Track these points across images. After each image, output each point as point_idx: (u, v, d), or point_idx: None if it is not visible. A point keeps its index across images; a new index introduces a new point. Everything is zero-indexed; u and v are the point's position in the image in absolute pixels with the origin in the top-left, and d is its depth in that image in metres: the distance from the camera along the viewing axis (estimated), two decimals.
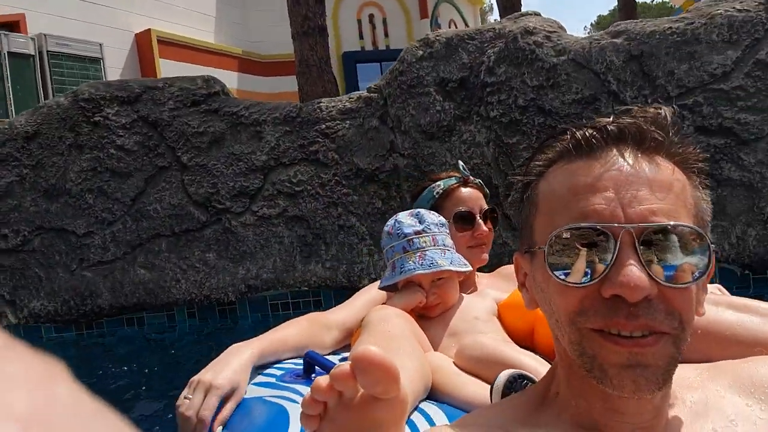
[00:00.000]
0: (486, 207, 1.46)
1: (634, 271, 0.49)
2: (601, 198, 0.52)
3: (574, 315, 0.52)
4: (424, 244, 1.22)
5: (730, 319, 0.73)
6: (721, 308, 0.75)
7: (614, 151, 0.54)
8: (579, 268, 0.52)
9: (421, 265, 1.20)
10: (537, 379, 0.87)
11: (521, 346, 1.15)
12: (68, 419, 0.16)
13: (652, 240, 0.51)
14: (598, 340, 0.51)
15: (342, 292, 3.29)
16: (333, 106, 3.26)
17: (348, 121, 3.22)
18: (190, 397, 1.04)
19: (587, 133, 0.55)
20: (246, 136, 3.33)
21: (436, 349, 1.18)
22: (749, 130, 2.47)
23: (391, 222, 1.29)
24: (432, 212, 1.31)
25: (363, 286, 3.18)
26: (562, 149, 0.57)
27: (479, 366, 1.07)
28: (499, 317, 1.28)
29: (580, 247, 0.52)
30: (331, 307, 1.39)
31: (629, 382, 0.50)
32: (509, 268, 1.52)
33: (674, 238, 0.51)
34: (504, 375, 0.91)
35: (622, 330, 0.50)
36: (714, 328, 0.71)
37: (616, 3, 8.15)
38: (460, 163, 1.55)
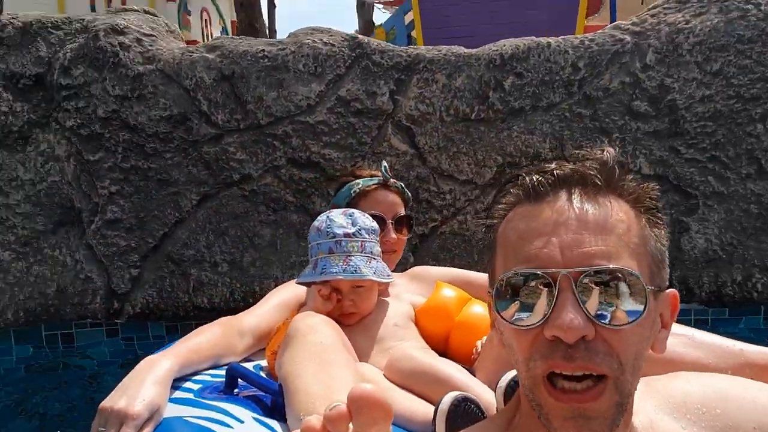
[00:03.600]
0: (402, 213, 1.45)
1: (568, 313, 0.52)
2: (541, 242, 0.55)
3: (527, 360, 0.55)
4: (351, 249, 1.20)
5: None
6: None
7: (562, 194, 0.57)
8: (535, 311, 0.54)
9: (344, 270, 1.17)
10: (477, 400, 0.96)
11: (436, 351, 1.24)
12: None
13: (592, 282, 0.53)
14: (543, 392, 0.54)
15: None
16: None
17: None
18: (103, 430, 0.91)
19: (534, 178, 0.58)
20: None
21: (360, 357, 1.15)
22: (334, 166, 2.39)
23: (323, 218, 1.24)
24: (367, 216, 1.27)
25: None
26: (516, 194, 0.60)
27: (411, 380, 1.09)
28: (416, 322, 1.31)
29: (527, 291, 0.54)
30: None
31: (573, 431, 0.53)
32: (420, 269, 1.52)
33: (613, 280, 0.53)
34: (448, 398, 0.93)
35: (561, 370, 0.53)
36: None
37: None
38: (384, 163, 1.49)
